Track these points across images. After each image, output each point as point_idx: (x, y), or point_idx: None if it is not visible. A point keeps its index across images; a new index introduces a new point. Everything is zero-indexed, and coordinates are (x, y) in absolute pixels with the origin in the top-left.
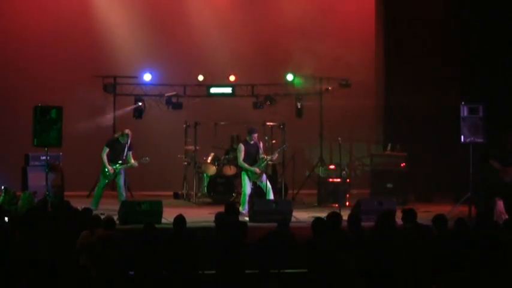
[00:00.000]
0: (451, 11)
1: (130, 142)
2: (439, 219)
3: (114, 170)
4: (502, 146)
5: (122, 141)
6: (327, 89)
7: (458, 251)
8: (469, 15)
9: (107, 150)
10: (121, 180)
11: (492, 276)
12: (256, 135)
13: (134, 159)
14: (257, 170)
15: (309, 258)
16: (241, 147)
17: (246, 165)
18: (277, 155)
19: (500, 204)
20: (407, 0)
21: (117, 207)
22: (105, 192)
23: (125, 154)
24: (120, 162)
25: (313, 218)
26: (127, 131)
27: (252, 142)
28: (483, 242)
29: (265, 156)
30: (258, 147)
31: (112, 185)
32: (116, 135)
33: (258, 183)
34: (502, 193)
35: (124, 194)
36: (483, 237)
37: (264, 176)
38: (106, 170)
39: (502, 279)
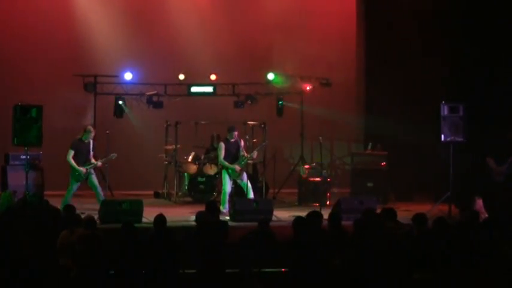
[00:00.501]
0: (432, 11)
1: (93, 143)
2: (419, 218)
3: (86, 170)
4: (499, 144)
5: (86, 140)
6: (308, 88)
7: (439, 250)
8: (451, 15)
9: (72, 153)
10: (94, 180)
11: (471, 274)
12: (236, 133)
13: (95, 160)
14: (237, 167)
15: (290, 257)
16: (222, 145)
17: (226, 163)
18: (256, 153)
19: (479, 203)
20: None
21: (97, 206)
22: (86, 192)
23: (91, 154)
24: (88, 162)
25: (293, 217)
26: (89, 127)
27: (232, 140)
28: (464, 240)
29: (246, 154)
30: (238, 146)
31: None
32: (78, 136)
33: (238, 182)
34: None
35: (102, 193)
36: (464, 235)
37: (245, 175)
38: (77, 172)
39: (481, 278)
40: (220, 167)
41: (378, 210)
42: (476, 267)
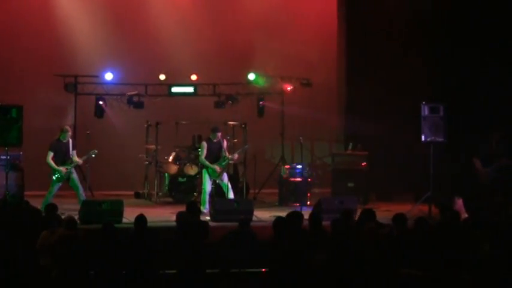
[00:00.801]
0: (412, 12)
1: (72, 142)
2: (399, 218)
3: (66, 169)
4: (486, 145)
5: (64, 140)
6: (289, 89)
7: (419, 250)
8: (432, 16)
9: (51, 154)
10: (76, 180)
11: (452, 274)
12: (219, 134)
13: (78, 158)
14: (217, 168)
15: (271, 257)
16: (204, 144)
17: (207, 162)
18: (237, 155)
19: (459, 203)
20: (370, 0)
21: (77, 207)
22: (67, 192)
23: (70, 153)
24: (68, 162)
25: (274, 218)
26: (66, 127)
27: (215, 140)
28: (444, 240)
29: (228, 155)
30: (221, 146)
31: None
32: (56, 137)
33: (218, 181)
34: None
35: (83, 194)
36: (445, 235)
37: (225, 175)
38: (57, 173)
39: (462, 278)
40: (201, 166)
41: (359, 211)
42: (457, 267)
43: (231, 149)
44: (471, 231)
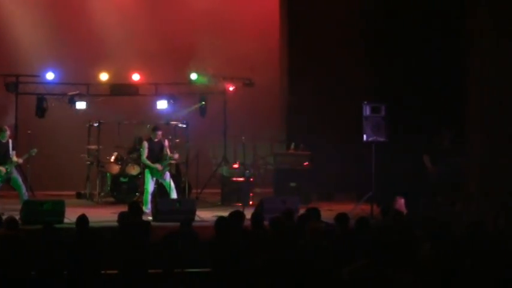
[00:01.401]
0: (355, 12)
1: (12, 142)
2: (341, 217)
3: (6, 170)
4: (434, 143)
5: (3, 140)
6: (231, 89)
7: (361, 249)
8: (375, 16)
9: None
10: (18, 180)
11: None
12: (160, 132)
13: (18, 157)
14: (159, 166)
15: (212, 257)
16: (145, 144)
17: (148, 162)
18: (177, 154)
19: (400, 202)
20: (312, 1)
21: (19, 207)
22: (7, 192)
23: (10, 153)
24: (8, 162)
25: (216, 218)
26: (5, 127)
27: (156, 140)
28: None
29: (170, 154)
30: (162, 145)
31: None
32: None
33: (160, 181)
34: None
35: (26, 193)
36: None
37: (168, 174)
38: None
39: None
40: (143, 166)
41: (302, 210)
42: (398, 266)
43: (174, 149)
44: (412, 230)
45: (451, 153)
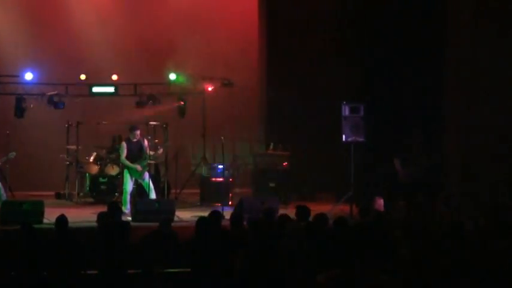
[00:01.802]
0: (333, 12)
1: None
2: (320, 218)
3: None
4: (406, 145)
5: None
6: (210, 89)
7: (339, 249)
8: (353, 15)
9: None
10: None
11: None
12: (138, 132)
13: None
14: (138, 167)
15: (192, 257)
16: (123, 144)
17: (127, 162)
18: (161, 149)
19: (379, 203)
20: (290, 0)
21: None
22: None
23: None
24: None
25: (195, 218)
26: None
27: (134, 140)
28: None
29: (151, 153)
30: (141, 145)
31: None
32: None
33: (140, 181)
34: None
35: (5, 194)
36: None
37: (147, 174)
38: None
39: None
40: (122, 167)
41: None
42: (376, 267)
43: (153, 149)
44: (390, 230)
45: (422, 154)
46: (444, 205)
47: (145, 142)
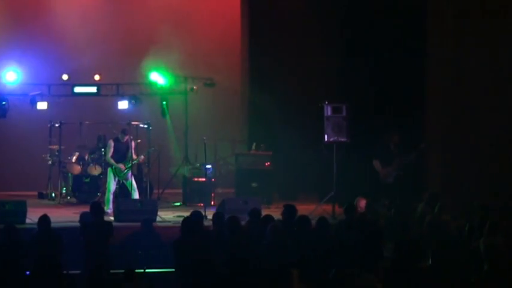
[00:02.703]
0: (314, 12)
1: None
2: (302, 220)
3: None
4: (384, 145)
5: None
6: (192, 89)
7: (321, 249)
8: (336, 15)
9: None
10: None
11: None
12: (127, 136)
13: None
14: (122, 166)
15: (175, 257)
16: (111, 143)
17: (112, 160)
18: (143, 157)
19: (362, 203)
20: (272, 0)
21: None
22: None
23: None
24: None
25: (178, 218)
26: None
27: (123, 141)
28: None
29: (135, 157)
30: (128, 147)
31: None
32: None
33: (122, 181)
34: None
35: None
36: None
37: (130, 174)
38: None
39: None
40: (105, 166)
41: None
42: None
43: (137, 150)
44: (375, 230)
45: (399, 155)
46: (426, 204)
47: (133, 144)
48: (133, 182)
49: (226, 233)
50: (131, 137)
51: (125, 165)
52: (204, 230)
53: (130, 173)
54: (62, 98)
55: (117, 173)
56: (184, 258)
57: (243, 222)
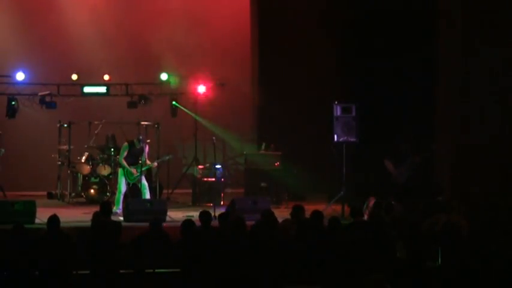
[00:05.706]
0: (323, 12)
1: None
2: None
3: None
4: (395, 146)
5: None
6: (202, 89)
7: (332, 249)
8: (346, 16)
9: None
10: None
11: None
12: (143, 144)
13: None
14: (134, 170)
15: (181, 257)
16: (126, 146)
17: (125, 163)
18: (156, 163)
19: (373, 203)
20: (282, 0)
21: None
22: None
23: None
24: None
25: (188, 218)
26: None
27: (138, 147)
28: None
29: (148, 162)
30: (142, 150)
31: None
32: None
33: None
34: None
35: None
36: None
37: (143, 178)
38: None
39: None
40: (115, 167)
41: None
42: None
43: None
44: (385, 231)
45: (413, 154)
46: (438, 205)
47: (147, 148)
48: (145, 182)
49: (230, 233)
50: (146, 142)
51: (137, 170)
52: (210, 229)
53: (143, 176)
54: (71, 98)
55: (128, 175)
56: (188, 259)
57: (252, 222)
